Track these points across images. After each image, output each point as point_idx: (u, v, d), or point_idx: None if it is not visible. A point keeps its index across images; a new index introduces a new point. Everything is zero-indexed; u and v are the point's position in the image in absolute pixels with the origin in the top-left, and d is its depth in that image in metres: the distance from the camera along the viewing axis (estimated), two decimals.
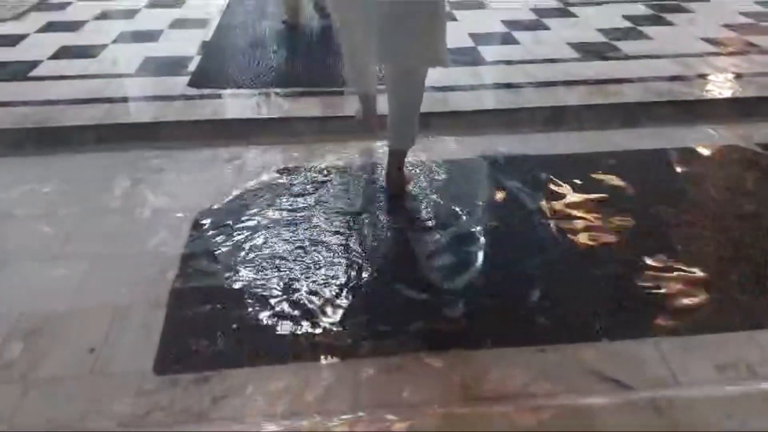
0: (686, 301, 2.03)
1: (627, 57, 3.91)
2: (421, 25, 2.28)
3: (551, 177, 2.75)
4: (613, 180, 2.74)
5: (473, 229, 2.43)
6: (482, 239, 2.38)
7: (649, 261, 2.20)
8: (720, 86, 3.52)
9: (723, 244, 2.32)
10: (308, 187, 2.71)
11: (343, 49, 2.88)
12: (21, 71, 3.66)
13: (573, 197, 2.61)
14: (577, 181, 2.72)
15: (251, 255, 2.26)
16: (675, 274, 2.14)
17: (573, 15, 4.74)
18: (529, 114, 3.28)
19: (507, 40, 4.27)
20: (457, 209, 2.55)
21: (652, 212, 2.50)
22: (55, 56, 3.91)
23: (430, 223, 2.48)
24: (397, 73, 2.46)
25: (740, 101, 3.36)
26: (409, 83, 2.46)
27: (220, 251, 2.28)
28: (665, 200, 2.58)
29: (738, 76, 3.61)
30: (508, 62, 3.88)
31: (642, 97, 3.38)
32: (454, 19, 4.66)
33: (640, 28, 4.40)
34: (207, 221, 2.46)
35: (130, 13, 4.77)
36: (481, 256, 2.29)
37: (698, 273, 2.15)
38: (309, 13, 4.61)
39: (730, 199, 2.62)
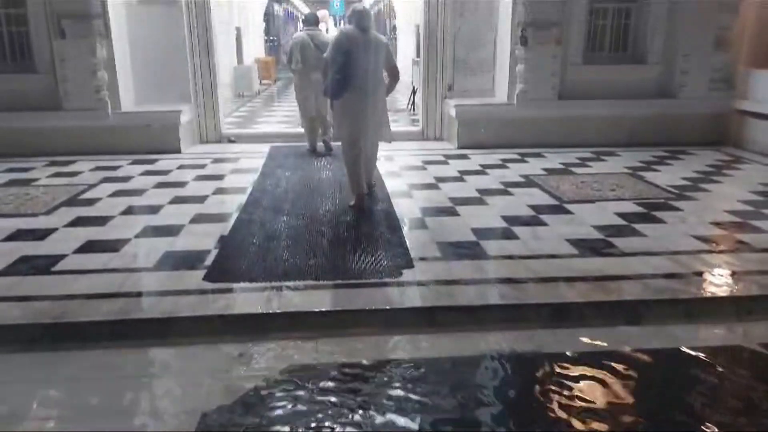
0: None
1: (623, 254, 4.08)
2: (379, 124, 5.28)
3: (557, 376, 2.75)
4: (617, 382, 2.73)
5: None
6: None
7: None
8: (716, 284, 3.63)
9: None
10: (317, 389, 2.70)
11: (347, 159, 5.24)
12: (45, 265, 3.85)
13: (580, 396, 2.59)
14: (583, 382, 2.71)
15: None
16: None
17: (568, 212, 5.03)
18: (533, 310, 3.36)
19: (507, 235, 4.50)
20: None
21: (660, 419, 2.46)
22: (80, 250, 4.13)
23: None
24: (371, 143, 5.31)
25: (738, 300, 3.45)
26: (374, 148, 5.49)
27: None
28: (673, 407, 2.55)
29: (733, 274, 3.74)
30: (510, 257, 4.05)
31: (642, 295, 3.48)
32: (457, 214, 4.97)
33: (633, 225, 4.65)
34: (213, 421, 2.42)
35: (155, 209, 5.11)
36: None
37: None
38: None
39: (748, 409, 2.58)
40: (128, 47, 7.60)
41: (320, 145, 7.58)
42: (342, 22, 21.71)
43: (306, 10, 40.15)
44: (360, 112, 5.02)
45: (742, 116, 7.53)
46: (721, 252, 4.11)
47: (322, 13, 9.16)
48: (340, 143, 5.47)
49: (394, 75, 5.30)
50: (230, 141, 8.31)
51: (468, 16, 8.03)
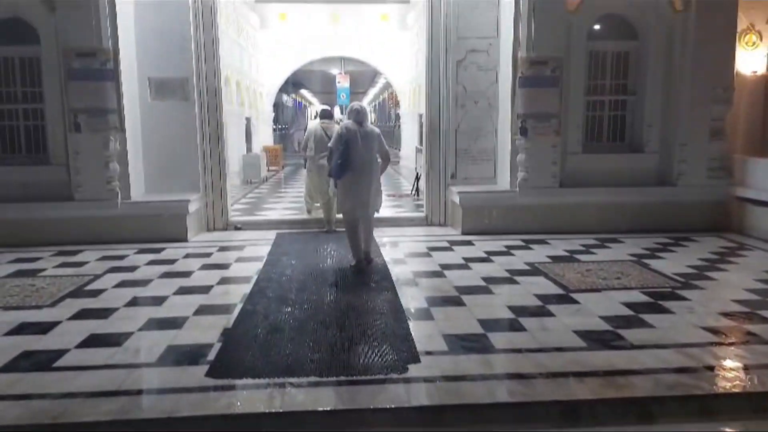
0: None
1: (633, 346, 4.02)
2: (374, 199, 6.16)
3: None
4: None
5: None
6: None
7: None
8: (729, 380, 3.55)
9: None
10: None
11: (346, 224, 6.28)
12: (47, 361, 3.81)
13: None
14: None
15: None
16: None
17: (575, 301, 5.00)
18: (542, 409, 3.28)
19: (514, 326, 4.46)
20: None
21: None
22: (83, 344, 4.10)
23: None
24: (367, 216, 6.18)
25: (751, 396, 3.36)
26: (370, 219, 6.25)
27: None
28: None
29: (746, 369, 3.67)
30: (518, 350, 3.99)
31: (653, 391, 3.40)
32: (463, 304, 4.94)
33: (641, 315, 4.61)
34: None
35: (159, 300, 5.10)
36: None
37: None
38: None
39: None
40: (141, 139, 7.86)
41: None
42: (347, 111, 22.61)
43: (314, 100, 41.75)
44: (358, 189, 6.07)
45: (742, 203, 7.63)
46: (731, 344, 4.05)
47: (336, 109, 9.89)
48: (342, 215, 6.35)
49: (386, 158, 6.36)
50: (237, 228, 8.41)
51: (469, 108, 8.33)
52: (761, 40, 7.99)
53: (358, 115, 6.13)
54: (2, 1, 7.25)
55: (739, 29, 7.77)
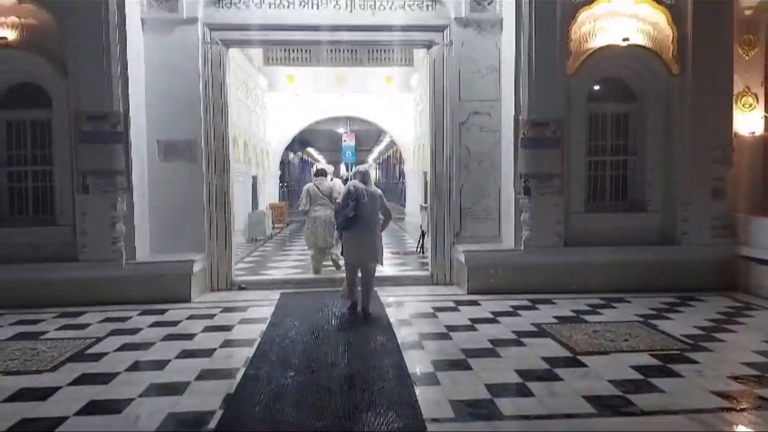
0: None
1: (643, 412, 3.94)
2: (375, 251, 6.78)
3: None
4: None
5: None
6: None
7: None
8: None
9: None
10: None
11: (347, 271, 7.03)
12: (46, 428, 3.75)
13: None
14: None
15: None
16: None
17: (583, 365, 4.92)
18: None
19: (522, 391, 4.37)
20: None
21: None
22: (82, 411, 4.03)
23: None
24: (367, 267, 6.80)
25: None
26: (371, 272, 6.81)
27: None
28: None
29: None
30: (526, 417, 3.91)
31: None
32: (470, 368, 4.86)
33: (650, 379, 4.52)
34: None
35: (161, 364, 5.04)
36: None
37: None
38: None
39: None
40: (147, 199, 7.95)
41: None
42: (352, 167, 23.00)
43: (320, 157, 42.42)
44: (363, 241, 6.80)
45: (747, 262, 7.59)
46: (743, 410, 3.96)
47: (329, 167, 10.85)
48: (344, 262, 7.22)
49: (388, 215, 7.14)
50: (241, 288, 8.38)
51: (472, 168, 8.43)
52: (758, 102, 8.14)
53: (364, 177, 7.01)
54: (18, 67, 7.50)
55: (735, 92, 7.93)
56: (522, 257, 7.79)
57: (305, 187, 9.73)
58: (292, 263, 11.10)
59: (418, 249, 12.15)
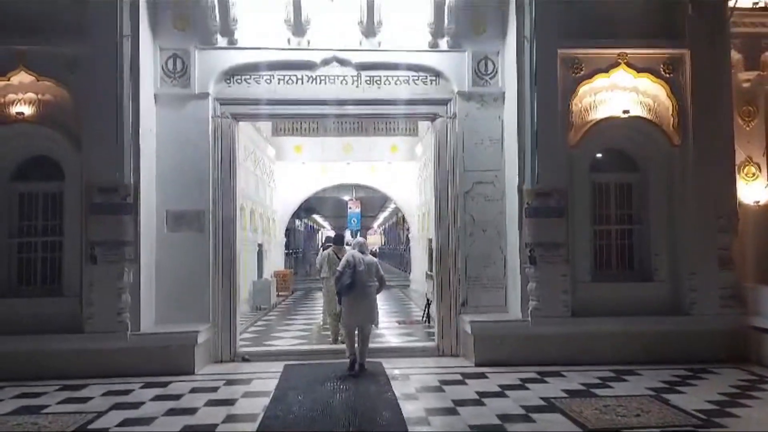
0: None
1: None
2: (370, 314, 7.60)
3: None
4: None
5: None
6: None
7: None
8: None
9: None
10: None
11: (345, 331, 7.80)
12: None
13: None
14: None
15: None
16: None
17: None
18: None
19: None
20: None
21: None
22: None
23: None
24: (363, 328, 7.58)
25: None
26: (366, 332, 7.61)
27: None
28: None
29: None
30: None
31: None
32: None
33: None
34: None
35: None
36: None
37: None
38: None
39: None
40: (154, 269, 7.98)
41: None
42: (357, 234, 23.17)
43: (326, 225, 42.63)
44: (358, 305, 7.55)
45: (758, 333, 7.47)
46: None
47: (347, 235, 10.99)
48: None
49: (382, 282, 7.83)
50: (244, 359, 8.27)
51: (477, 236, 8.46)
52: (760, 171, 8.24)
53: (362, 247, 7.97)
54: (33, 141, 7.72)
55: (737, 162, 8.03)
56: (529, 328, 7.70)
57: (324, 253, 10.11)
58: (296, 333, 11.00)
59: (424, 318, 12.02)
